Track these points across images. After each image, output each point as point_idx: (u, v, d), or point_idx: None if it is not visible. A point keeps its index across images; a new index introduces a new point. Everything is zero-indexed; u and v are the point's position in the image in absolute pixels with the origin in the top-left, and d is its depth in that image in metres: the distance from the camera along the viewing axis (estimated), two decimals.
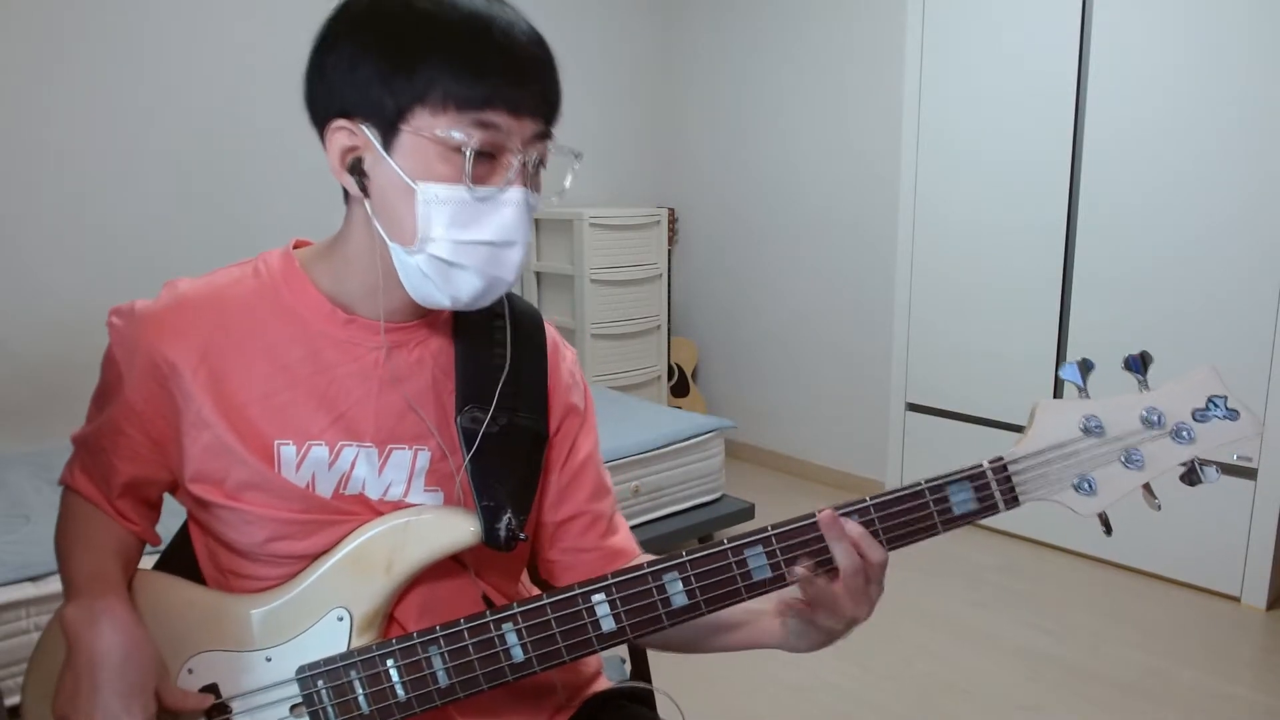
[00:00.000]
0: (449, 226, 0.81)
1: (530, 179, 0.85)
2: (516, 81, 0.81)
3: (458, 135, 0.79)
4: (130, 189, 3.04)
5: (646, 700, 1.12)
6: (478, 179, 0.81)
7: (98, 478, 0.95)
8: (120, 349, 0.91)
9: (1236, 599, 2.71)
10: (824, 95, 3.74)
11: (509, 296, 1.00)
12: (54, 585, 1.97)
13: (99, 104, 2.95)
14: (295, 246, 0.96)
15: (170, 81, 3.07)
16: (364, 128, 0.82)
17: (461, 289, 0.84)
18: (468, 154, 0.79)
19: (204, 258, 3.11)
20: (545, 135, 0.85)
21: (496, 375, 0.93)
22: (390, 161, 0.82)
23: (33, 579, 1.97)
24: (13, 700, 1.90)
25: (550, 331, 1.02)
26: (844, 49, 3.65)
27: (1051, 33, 2.85)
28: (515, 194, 0.82)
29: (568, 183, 0.92)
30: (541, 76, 0.84)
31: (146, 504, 0.98)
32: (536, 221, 3.98)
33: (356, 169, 0.84)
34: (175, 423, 0.89)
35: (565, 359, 1.02)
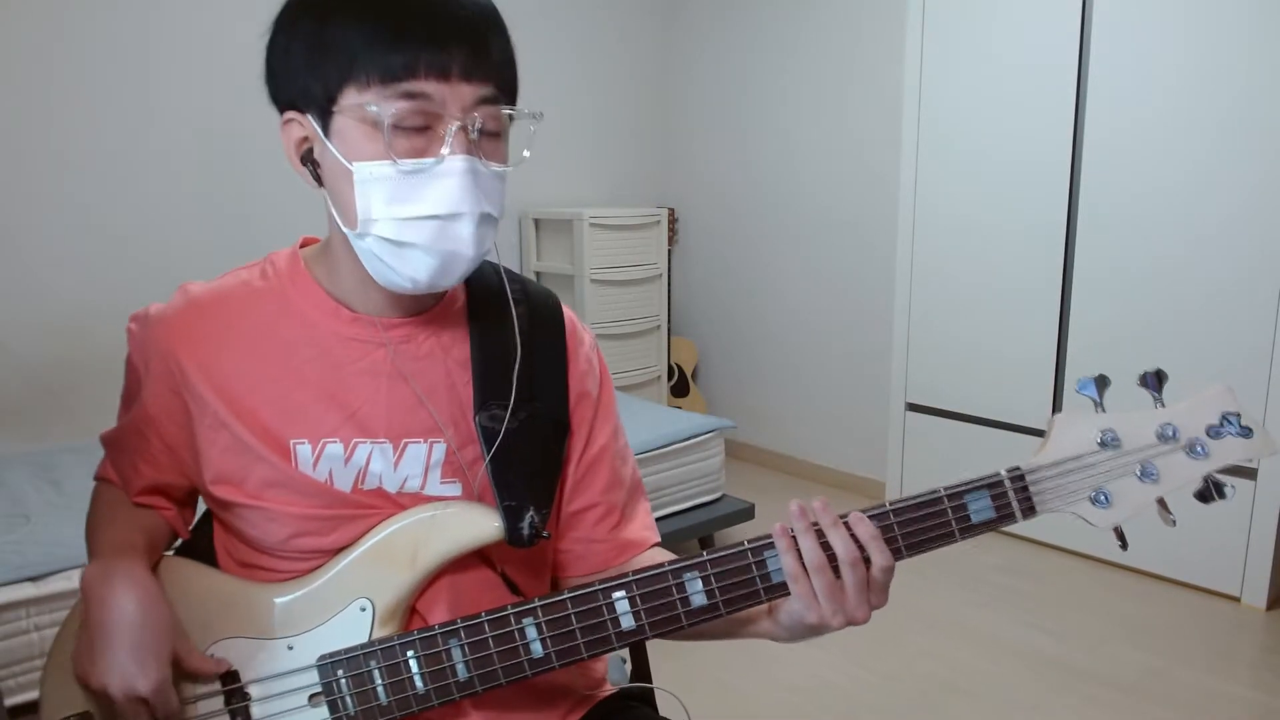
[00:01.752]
0: (388, 204, 0.80)
1: (477, 147, 0.81)
2: (441, 44, 0.77)
3: (373, 109, 0.78)
4: (131, 190, 3.03)
5: (649, 700, 1.12)
6: (415, 152, 0.79)
7: (123, 476, 0.97)
8: (137, 354, 0.93)
9: (1236, 599, 2.71)
10: (824, 95, 3.74)
11: (523, 282, 0.99)
12: (54, 585, 1.97)
13: (100, 105, 2.95)
14: (303, 244, 0.97)
15: (171, 82, 3.07)
16: (308, 116, 0.82)
17: (418, 269, 0.82)
18: (385, 126, 0.78)
19: (205, 258, 3.13)
20: (495, 99, 0.81)
21: (514, 369, 0.92)
22: (329, 146, 0.81)
23: (33, 579, 1.97)
24: (13, 700, 1.90)
25: (568, 315, 1.01)
26: (844, 49, 3.65)
27: (1051, 32, 2.85)
28: (456, 163, 0.79)
29: (526, 153, 0.88)
30: (475, 35, 0.79)
31: (174, 501, 0.99)
32: (535, 221, 3.98)
33: (309, 159, 0.84)
34: (189, 428, 0.90)
35: (584, 343, 1.01)
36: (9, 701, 1.88)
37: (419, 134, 0.79)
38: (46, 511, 2.28)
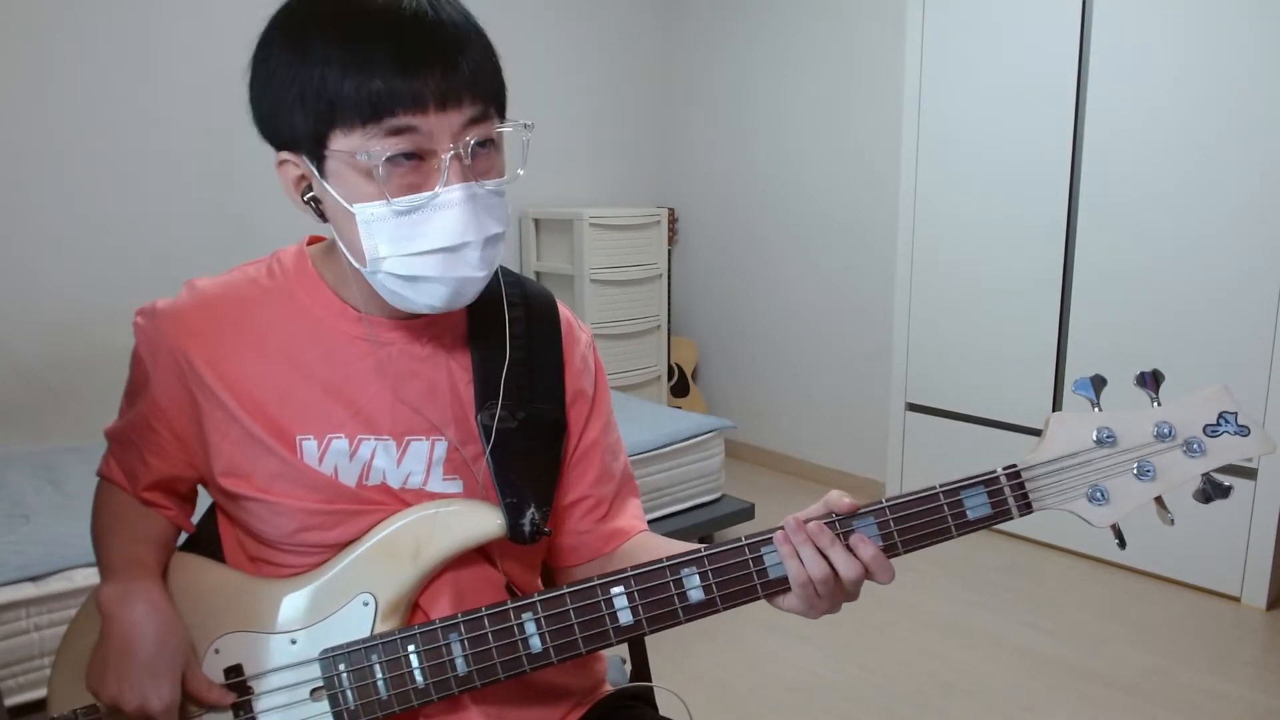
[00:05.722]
0: (393, 243, 0.80)
1: (471, 170, 0.80)
2: (413, 74, 0.75)
3: (361, 157, 0.77)
4: (130, 189, 3.04)
5: (650, 700, 1.12)
6: (411, 187, 0.78)
7: (129, 471, 0.98)
8: (145, 347, 0.93)
9: (1236, 599, 2.71)
10: (824, 95, 3.74)
11: (522, 283, 1.00)
12: (54, 585, 1.97)
13: (99, 105, 2.95)
14: (310, 242, 0.97)
15: (170, 82, 3.07)
16: (303, 158, 0.81)
17: (433, 296, 0.83)
18: (378, 170, 0.77)
19: (204, 258, 3.13)
20: (481, 117, 0.80)
21: (514, 369, 0.93)
22: (328, 188, 0.81)
23: (33, 579, 1.97)
24: (13, 700, 1.90)
25: (564, 313, 1.02)
26: (844, 49, 3.65)
27: (1051, 33, 2.85)
28: (454, 193, 0.79)
29: (521, 170, 0.86)
30: (443, 58, 0.76)
31: (178, 496, 1.00)
32: (535, 221, 3.98)
33: (309, 196, 0.84)
34: (198, 419, 0.90)
35: (580, 341, 1.02)
36: (9, 701, 1.88)
37: (413, 167, 0.78)
38: (46, 511, 2.28)
